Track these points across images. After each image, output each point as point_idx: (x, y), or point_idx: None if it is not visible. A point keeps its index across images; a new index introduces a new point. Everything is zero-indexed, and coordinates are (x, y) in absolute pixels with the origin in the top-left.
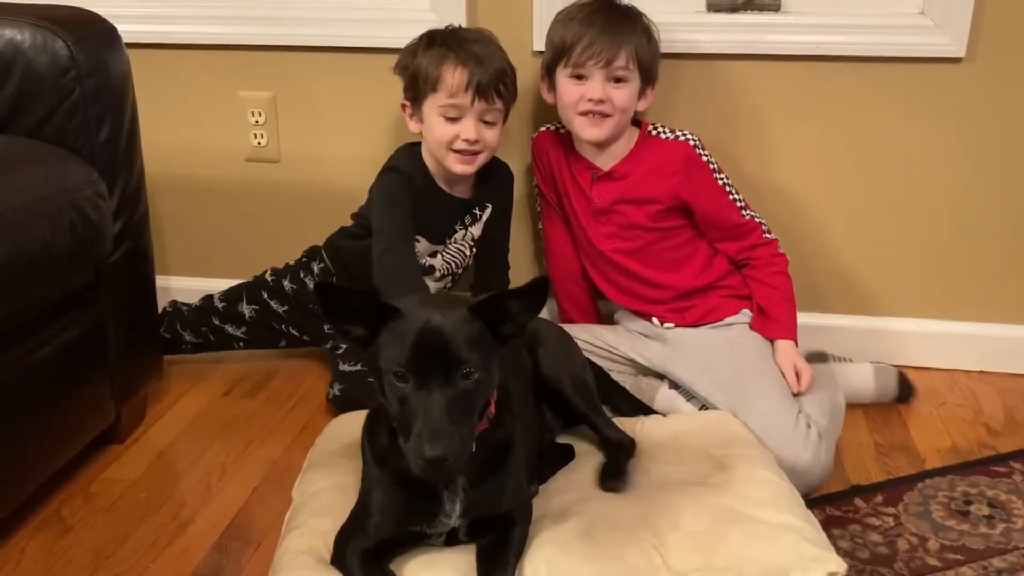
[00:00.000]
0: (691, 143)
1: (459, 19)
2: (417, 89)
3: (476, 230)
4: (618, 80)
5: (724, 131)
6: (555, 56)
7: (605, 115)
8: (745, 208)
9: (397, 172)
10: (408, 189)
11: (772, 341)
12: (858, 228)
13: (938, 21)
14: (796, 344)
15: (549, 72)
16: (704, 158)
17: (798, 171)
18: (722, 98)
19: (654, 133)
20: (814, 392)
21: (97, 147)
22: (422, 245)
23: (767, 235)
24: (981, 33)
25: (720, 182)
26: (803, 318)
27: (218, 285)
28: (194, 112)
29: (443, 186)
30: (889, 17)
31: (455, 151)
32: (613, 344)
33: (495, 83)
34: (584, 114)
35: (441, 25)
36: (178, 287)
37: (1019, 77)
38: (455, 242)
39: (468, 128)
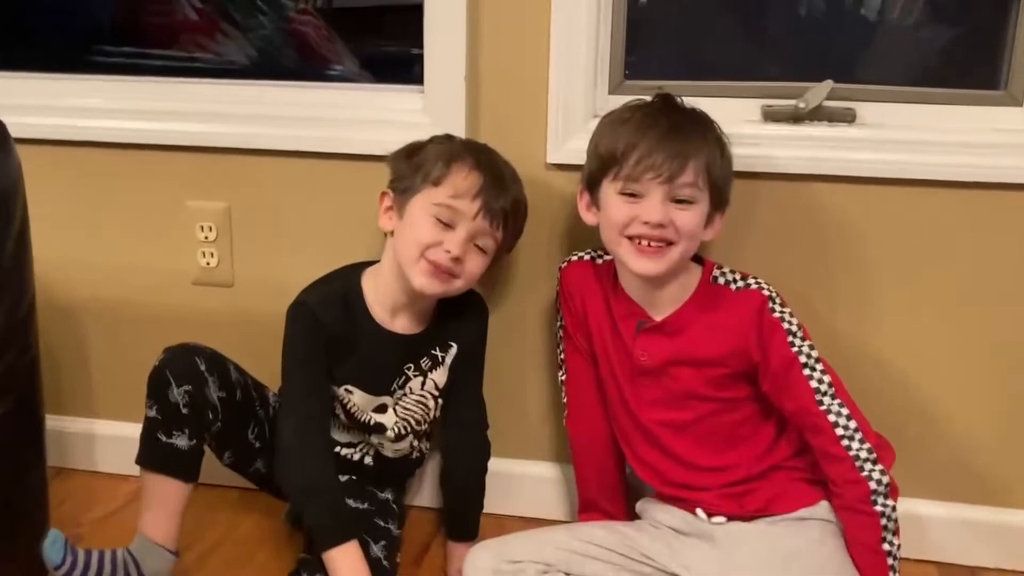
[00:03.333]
0: (765, 292)
1: (457, 123)
2: (413, 180)
3: (439, 376)
4: (682, 201)
5: (792, 274)
6: (601, 167)
7: (668, 242)
8: (834, 396)
9: (300, 308)
10: (315, 330)
11: None
12: (980, 404)
13: None
14: None
15: (591, 186)
16: (777, 314)
17: (895, 330)
18: (788, 230)
19: (721, 281)
20: None
21: None
22: (358, 398)
23: (848, 443)
24: None
25: (795, 349)
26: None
27: None
28: (131, 224)
29: (380, 317)
30: (993, 134)
31: (429, 261)
32: (647, 552)
33: (507, 207)
34: (636, 239)
35: (435, 131)
36: (105, 433)
37: None
38: (410, 392)
39: (456, 239)
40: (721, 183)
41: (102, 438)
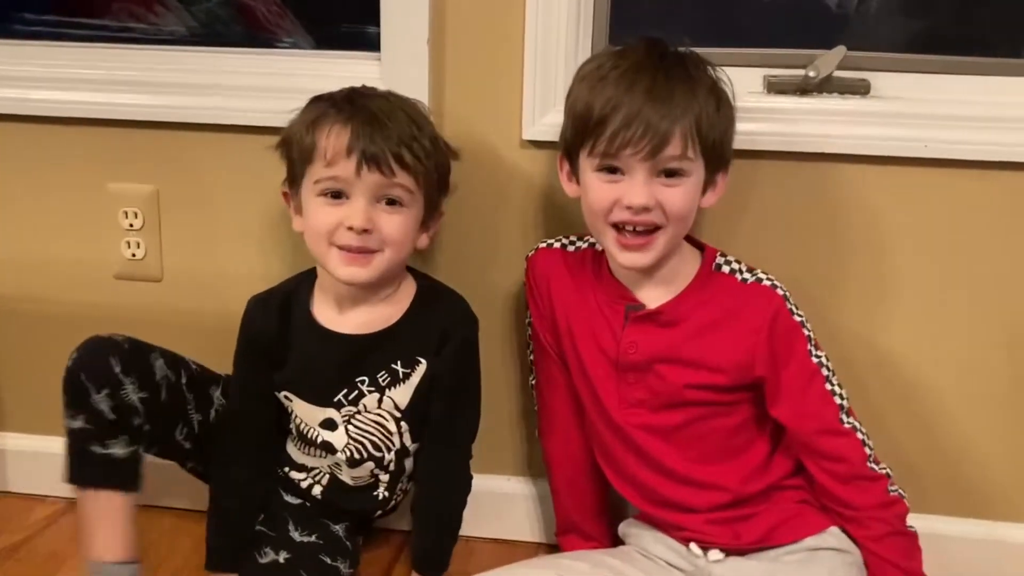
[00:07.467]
0: (780, 292)
1: (419, 94)
2: (293, 165)
3: (399, 395)
4: (671, 174)
5: (798, 265)
6: (576, 132)
7: (654, 227)
8: (850, 411)
9: (246, 306)
10: (247, 331)
11: None
12: (995, 413)
13: None
14: None
15: (569, 153)
16: (797, 318)
17: (912, 328)
18: (794, 215)
19: (725, 269)
20: None
21: None
22: (300, 408)
23: (873, 465)
24: None
25: (816, 360)
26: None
27: None
28: (44, 211)
29: (324, 316)
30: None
31: (340, 247)
32: None
33: (395, 147)
34: (620, 227)
35: None
36: (17, 448)
37: None
38: (364, 411)
39: (355, 210)
40: (718, 142)
41: (13, 454)
